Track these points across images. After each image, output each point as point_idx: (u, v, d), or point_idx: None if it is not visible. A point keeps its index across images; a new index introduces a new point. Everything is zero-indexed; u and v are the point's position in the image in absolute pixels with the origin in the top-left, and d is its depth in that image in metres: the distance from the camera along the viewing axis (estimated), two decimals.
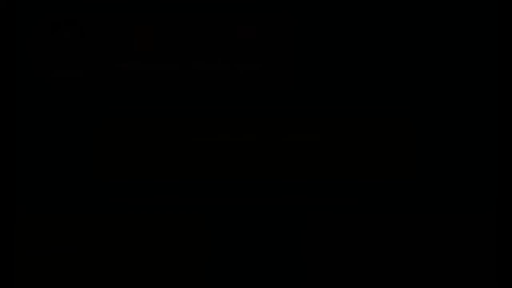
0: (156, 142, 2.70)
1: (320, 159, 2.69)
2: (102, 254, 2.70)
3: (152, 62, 2.71)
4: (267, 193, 2.70)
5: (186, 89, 2.71)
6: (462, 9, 2.68)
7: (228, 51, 2.70)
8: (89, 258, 2.70)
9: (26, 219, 2.69)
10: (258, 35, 2.69)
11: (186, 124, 2.70)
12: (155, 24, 2.70)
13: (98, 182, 2.70)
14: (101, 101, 2.70)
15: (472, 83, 2.68)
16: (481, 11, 2.68)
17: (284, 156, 2.70)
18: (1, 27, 2.68)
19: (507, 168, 2.66)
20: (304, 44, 2.69)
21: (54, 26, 2.70)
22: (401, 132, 2.68)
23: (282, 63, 2.69)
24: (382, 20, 2.68)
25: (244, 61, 2.70)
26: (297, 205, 2.69)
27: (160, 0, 2.70)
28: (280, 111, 2.69)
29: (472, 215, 2.67)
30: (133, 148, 2.71)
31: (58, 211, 2.69)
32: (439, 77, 2.69)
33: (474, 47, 2.68)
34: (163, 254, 2.70)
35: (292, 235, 2.70)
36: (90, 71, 2.71)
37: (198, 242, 2.70)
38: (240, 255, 2.70)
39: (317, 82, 2.69)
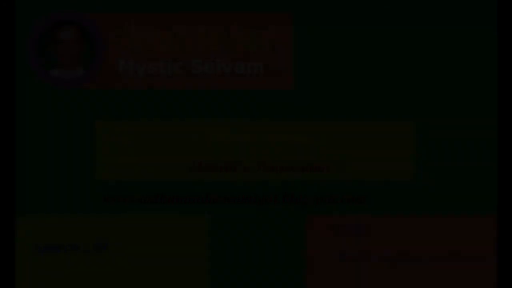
0: (155, 142, 2.71)
1: (320, 159, 2.69)
2: (103, 255, 2.70)
3: (151, 62, 2.71)
4: (267, 194, 2.70)
5: (185, 89, 2.71)
6: (463, 12, 2.68)
7: (228, 51, 2.71)
8: (90, 258, 2.71)
9: (26, 219, 2.70)
10: (257, 35, 2.69)
11: (186, 124, 2.70)
12: (154, 23, 2.70)
13: (99, 182, 2.70)
14: (101, 101, 2.71)
15: (472, 83, 2.68)
16: (481, 13, 2.68)
17: (284, 156, 2.70)
18: (1, 27, 2.68)
19: (507, 170, 2.66)
20: (303, 44, 2.69)
21: (54, 26, 2.70)
22: (401, 134, 2.68)
23: (281, 64, 2.69)
24: (383, 21, 2.68)
25: (244, 61, 2.70)
26: (297, 206, 2.69)
27: (160, 0, 2.70)
28: (280, 112, 2.69)
29: (473, 218, 2.68)
30: (133, 148, 2.71)
31: (58, 211, 2.70)
32: (439, 78, 2.69)
33: (474, 50, 2.68)
34: (164, 254, 2.71)
35: (292, 236, 2.70)
36: (90, 71, 2.71)
37: (198, 243, 2.70)
38: (240, 256, 2.70)
39: (316, 82, 2.69)
